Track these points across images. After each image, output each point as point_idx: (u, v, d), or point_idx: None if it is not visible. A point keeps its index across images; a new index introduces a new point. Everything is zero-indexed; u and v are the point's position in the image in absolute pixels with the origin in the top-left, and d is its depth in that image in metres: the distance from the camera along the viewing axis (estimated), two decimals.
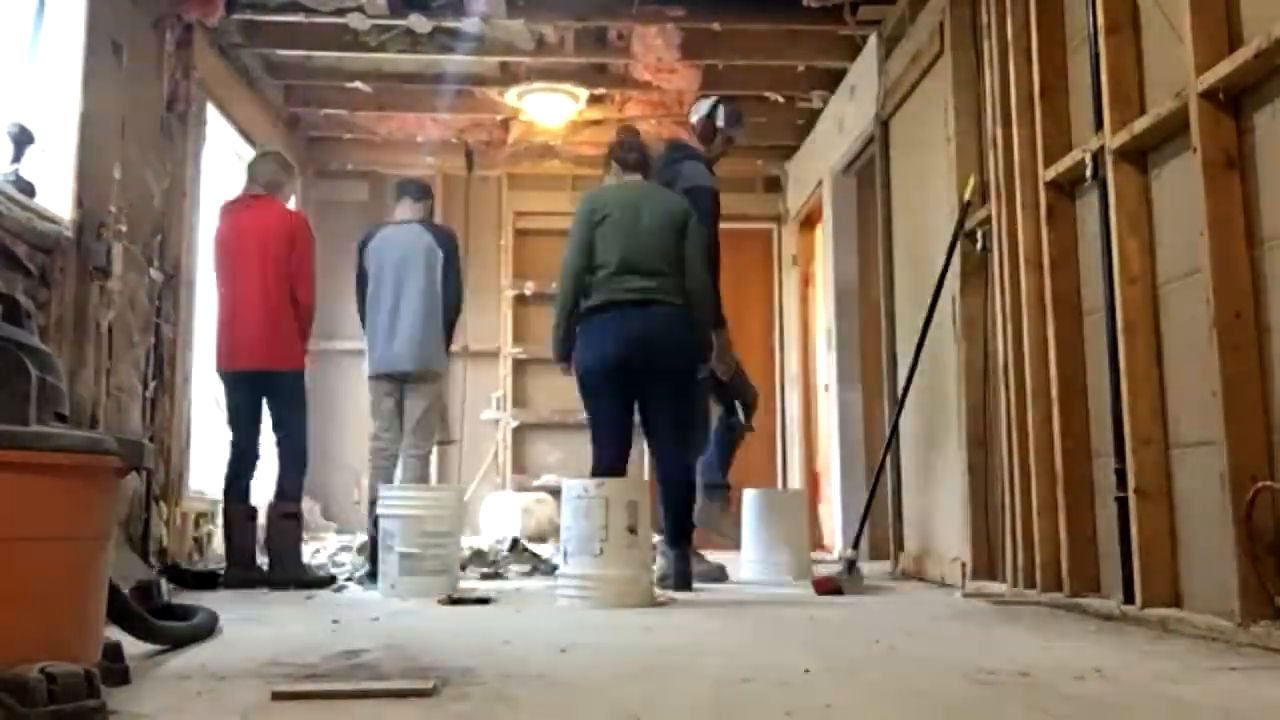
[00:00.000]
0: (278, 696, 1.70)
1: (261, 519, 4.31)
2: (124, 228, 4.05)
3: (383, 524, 3.81)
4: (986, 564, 3.80)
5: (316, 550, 5.35)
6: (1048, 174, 3.32)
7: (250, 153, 5.97)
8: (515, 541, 5.18)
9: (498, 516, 6.31)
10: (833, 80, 5.90)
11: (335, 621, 2.83)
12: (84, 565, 1.70)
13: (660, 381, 3.96)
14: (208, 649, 2.30)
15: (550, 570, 4.48)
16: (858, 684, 1.86)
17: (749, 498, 4.76)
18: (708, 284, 4.12)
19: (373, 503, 4.11)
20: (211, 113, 5.27)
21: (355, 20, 5.21)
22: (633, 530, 3.35)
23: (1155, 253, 2.86)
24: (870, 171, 5.40)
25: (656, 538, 4.13)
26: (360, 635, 2.53)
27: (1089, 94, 3.06)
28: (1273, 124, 2.40)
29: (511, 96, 6.17)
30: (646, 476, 6.61)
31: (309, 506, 6.10)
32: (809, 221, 6.97)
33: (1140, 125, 2.79)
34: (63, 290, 3.63)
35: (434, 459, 6.96)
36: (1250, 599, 2.31)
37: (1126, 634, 2.56)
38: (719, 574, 4.40)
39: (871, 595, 3.73)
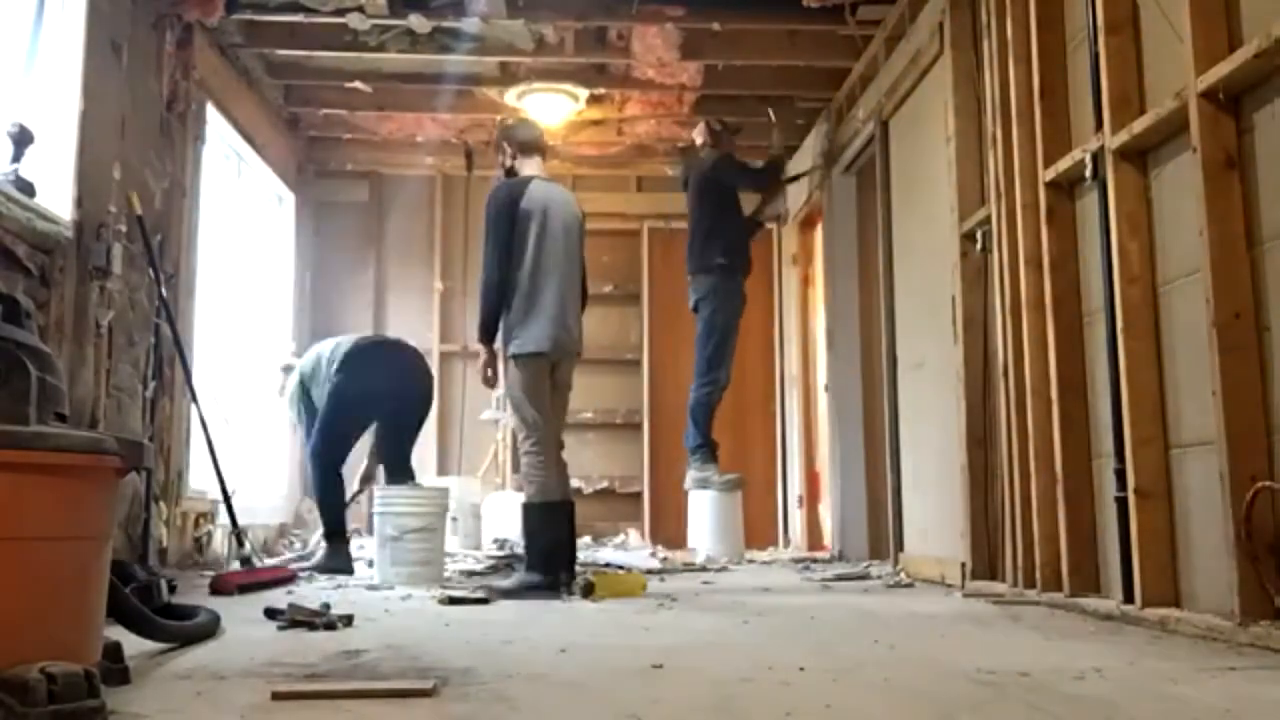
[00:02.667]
0: (277, 696, 1.70)
1: None
2: (124, 228, 4.05)
3: (377, 521, 4.14)
4: (986, 564, 3.80)
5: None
6: (1047, 174, 3.32)
7: (250, 153, 5.99)
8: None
9: (497, 516, 6.30)
10: (834, 80, 5.90)
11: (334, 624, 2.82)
12: (84, 565, 1.70)
13: None
14: (208, 649, 2.30)
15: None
16: (858, 684, 1.86)
17: (695, 499, 5.72)
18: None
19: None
20: (211, 113, 5.26)
21: (355, 20, 5.20)
22: None
23: (1155, 253, 2.86)
24: (870, 171, 5.40)
25: None
26: (360, 635, 2.53)
27: (1089, 94, 3.06)
28: (1272, 124, 2.40)
29: (511, 96, 6.17)
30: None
31: (308, 506, 6.09)
32: (809, 221, 6.97)
33: (1140, 125, 2.80)
34: (62, 290, 3.63)
35: (434, 458, 6.98)
36: (1250, 599, 2.31)
37: (1126, 634, 2.56)
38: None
39: (872, 595, 3.72)
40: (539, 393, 3.90)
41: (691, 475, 5.77)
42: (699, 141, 6.06)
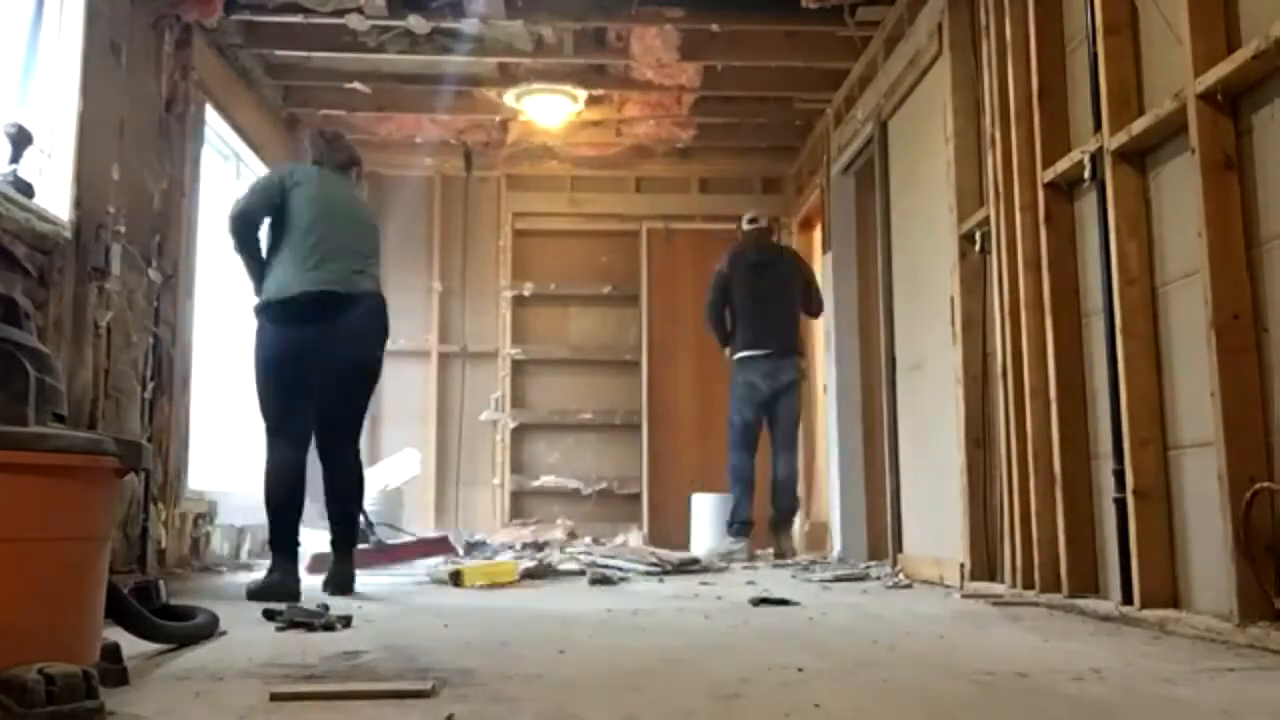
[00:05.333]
0: (276, 698, 1.70)
1: None
2: (122, 228, 4.05)
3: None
4: (985, 564, 3.80)
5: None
6: (1046, 175, 3.32)
7: (249, 154, 5.99)
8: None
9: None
10: (832, 81, 5.91)
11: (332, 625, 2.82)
12: (83, 565, 1.70)
13: None
14: (207, 650, 2.30)
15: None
16: (857, 684, 1.86)
17: (700, 501, 6.17)
18: None
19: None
20: (210, 113, 5.26)
21: (354, 21, 5.21)
22: None
23: (1154, 254, 2.87)
24: (869, 172, 5.40)
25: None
26: (359, 636, 2.53)
27: (1088, 95, 3.06)
28: (1271, 125, 2.41)
29: (510, 97, 6.17)
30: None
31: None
32: (808, 222, 6.98)
33: (1139, 126, 2.80)
34: (61, 291, 3.63)
35: (434, 459, 6.99)
36: (1248, 600, 2.31)
37: (1125, 635, 2.56)
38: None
39: (871, 596, 3.73)
40: None
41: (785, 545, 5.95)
42: (750, 225, 6.20)
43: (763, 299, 5.95)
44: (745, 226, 6.18)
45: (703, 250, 7.26)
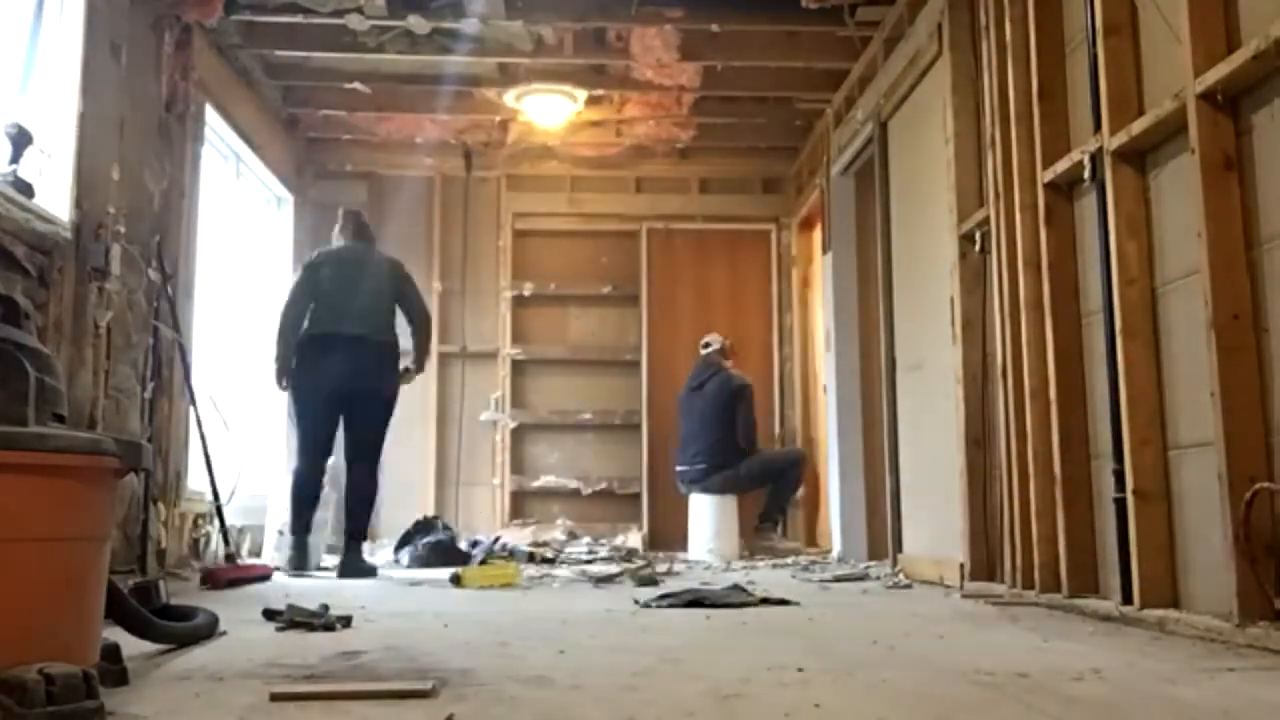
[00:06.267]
0: (276, 698, 1.70)
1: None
2: (122, 229, 4.05)
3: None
4: (985, 565, 3.80)
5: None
6: (1046, 175, 3.32)
7: (249, 154, 5.99)
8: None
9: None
10: (832, 81, 5.91)
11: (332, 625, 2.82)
12: (83, 565, 1.70)
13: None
14: (207, 650, 2.30)
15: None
16: (856, 685, 1.86)
17: (696, 501, 6.24)
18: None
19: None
20: (210, 114, 5.26)
21: (354, 21, 5.21)
22: None
23: (1153, 254, 2.87)
24: (869, 172, 5.40)
25: None
26: (359, 636, 2.53)
27: (1087, 95, 3.06)
28: (1271, 125, 2.41)
29: (510, 97, 6.17)
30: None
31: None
32: (808, 222, 6.98)
33: (1139, 126, 2.80)
34: (61, 291, 3.63)
35: (433, 459, 6.99)
36: (1248, 600, 2.31)
37: (1125, 635, 2.56)
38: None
39: (871, 596, 3.73)
40: None
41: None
42: (716, 346, 6.51)
43: (688, 416, 6.49)
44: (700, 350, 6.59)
45: (703, 250, 7.27)
